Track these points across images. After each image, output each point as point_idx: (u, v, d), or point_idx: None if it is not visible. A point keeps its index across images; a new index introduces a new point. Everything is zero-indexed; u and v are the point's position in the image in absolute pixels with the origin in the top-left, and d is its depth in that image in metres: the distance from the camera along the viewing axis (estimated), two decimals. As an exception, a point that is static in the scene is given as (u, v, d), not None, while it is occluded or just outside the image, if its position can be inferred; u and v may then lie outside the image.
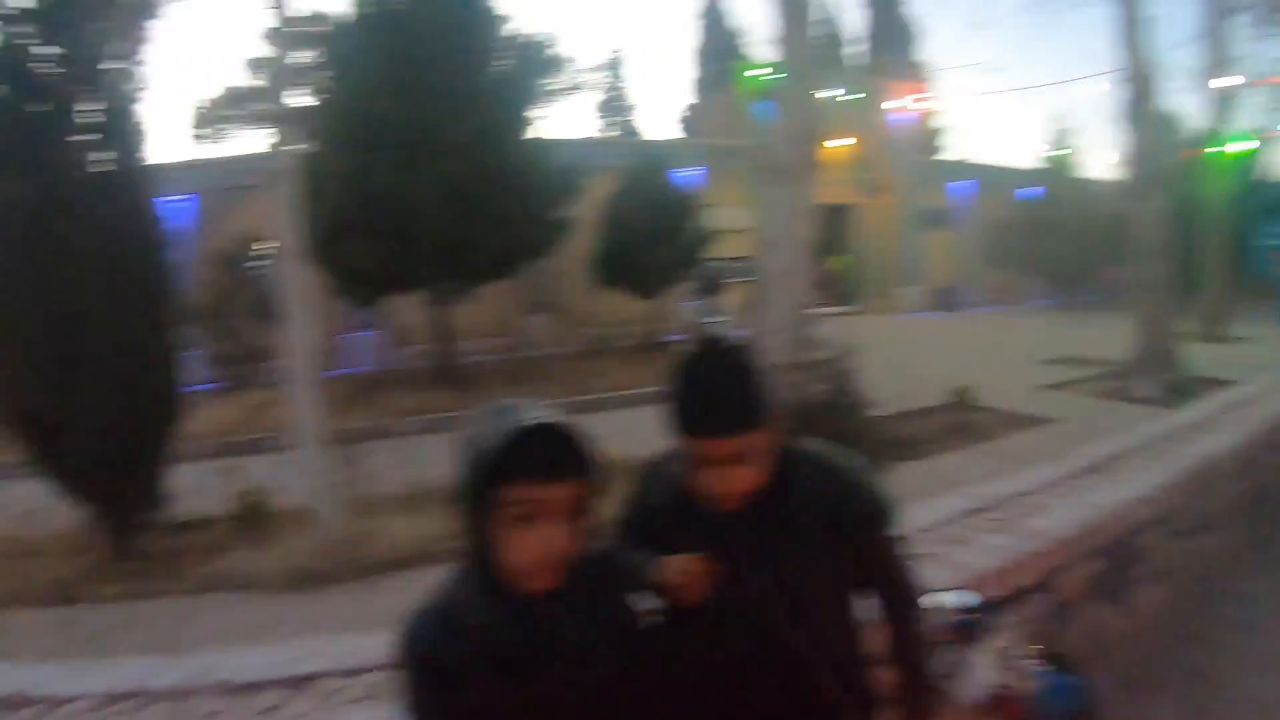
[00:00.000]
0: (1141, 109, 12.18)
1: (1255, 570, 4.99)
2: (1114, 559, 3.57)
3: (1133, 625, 3.88)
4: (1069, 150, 20.91)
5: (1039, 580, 3.09)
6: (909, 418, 8.69)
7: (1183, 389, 10.84)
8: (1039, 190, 21.37)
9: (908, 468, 7.43)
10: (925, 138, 31.07)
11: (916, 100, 25.65)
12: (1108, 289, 25.63)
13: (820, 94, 10.55)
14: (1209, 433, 4.92)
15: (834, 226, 24.68)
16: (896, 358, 10.66)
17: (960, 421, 8.57)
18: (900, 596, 1.73)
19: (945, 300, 24.30)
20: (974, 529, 3.02)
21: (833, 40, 37.32)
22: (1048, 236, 17.20)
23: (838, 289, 23.98)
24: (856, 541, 1.62)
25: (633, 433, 3.38)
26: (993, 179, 28.72)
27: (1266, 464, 5.36)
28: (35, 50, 5.60)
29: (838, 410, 6.95)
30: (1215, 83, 18.33)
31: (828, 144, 17.46)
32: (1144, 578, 3.94)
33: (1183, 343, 12.90)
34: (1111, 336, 13.65)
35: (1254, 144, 26.99)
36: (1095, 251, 16.99)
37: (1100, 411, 9.74)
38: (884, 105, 24.58)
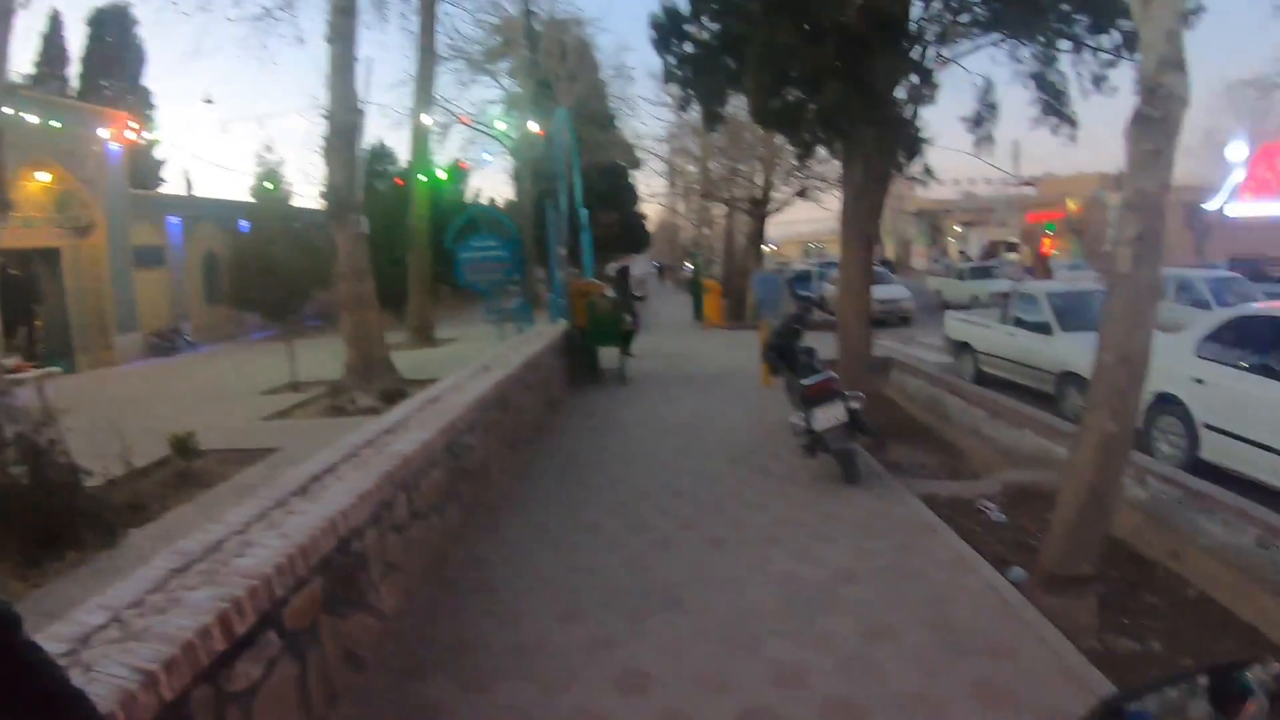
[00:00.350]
0: (345, 140, 13.13)
1: (476, 539, 6.41)
2: (338, 571, 4.01)
3: (384, 625, 4.50)
4: (280, 181, 21.19)
5: (264, 617, 3.24)
6: (130, 480, 7.94)
7: (394, 394, 11.88)
8: (250, 222, 21.29)
9: (138, 535, 7.66)
10: (141, 170, 28.59)
11: (131, 130, 23.32)
12: (323, 312, 26.51)
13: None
14: (410, 430, 5.80)
15: (33, 274, 24.65)
16: (114, 414, 9.83)
17: (185, 471, 8.17)
18: None
19: (165, 344, 23.36)
20: (185, 587, 2.77)
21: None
22: (260, 267, 17.21)
23: (39, 347, 24.13)
24: None
25: None
26: (212, 212, 31.89)
27: (463, 446, 6.58)
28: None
29: (39, 493, 5.97)
30: (424, 119, 21.01)
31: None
32: (377, 579, 4.51)
33: (393, 351, 14.14)
34: (330, 357, 16.01)
35: (455, 171, 31.33)
36: (307, 277, 17.61)
37: (322, 430, 10.70)
38: (96, 134, 21.94)
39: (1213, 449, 8.36)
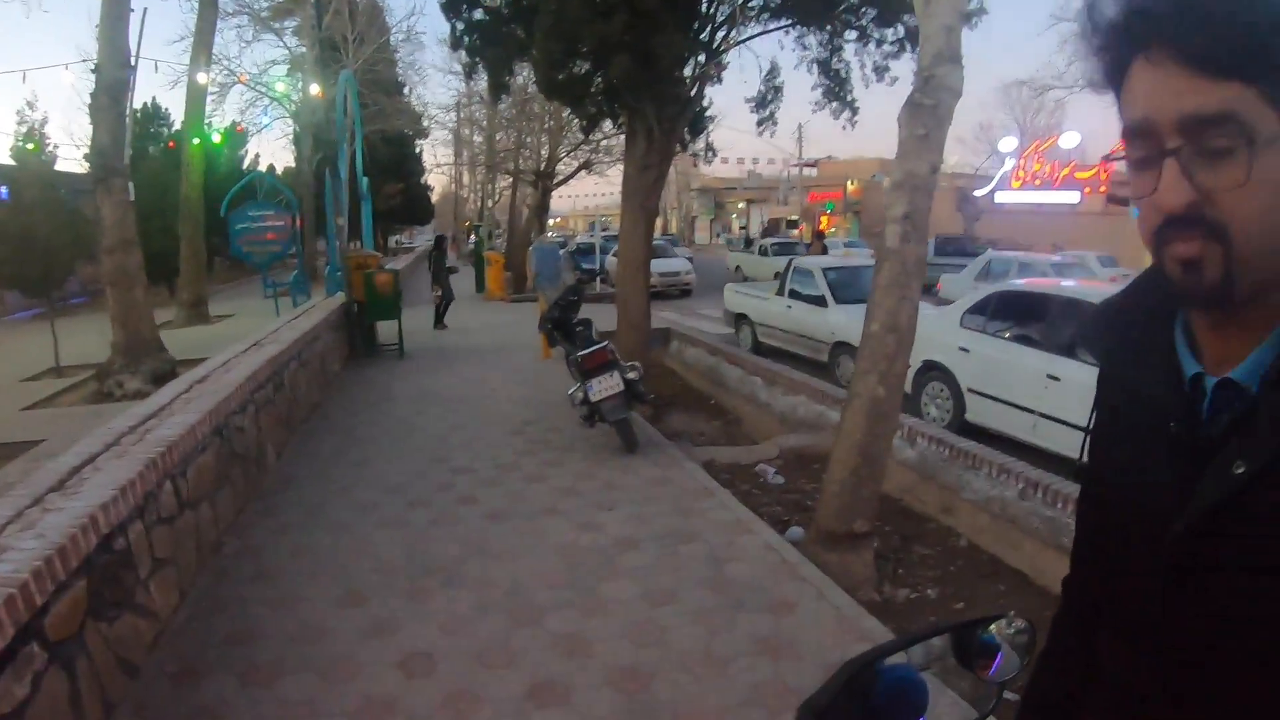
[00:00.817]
0: (113, 98, 13.20)
1: (251, 525, 6.23)
2: (103, 571, 3.79)
3: (157, 625, 4.33)
4: (42, 142, 19.23)
5: (24, 629, 3.04)
6: None
7: (166, 376, 11.27)
8: (8, 188, 19.17)
9: None
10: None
11: None
12: (90, 287, 24.44)
13: None
14: (176, 414, 5.56)
15: None
16: None
17: None
18: None
19: None
20: None
21: None
22: (18, 238, 15.57)
23: None
24: None
25: None
26: None
27: (235, 428, 6.38)
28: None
29: None
30: (200, 78, 19.35)
31: None
32: (146, 576, 4.31)
33: (164, 330, 13.28)
34: (98, 337, 14.61)
35: (232, 135, 29.32)
36: (71, 249, 16.11)
37: (88, 417, 9.40)
38: None
39: (976, 411, 9.08)
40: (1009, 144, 39.84)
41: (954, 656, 1.14)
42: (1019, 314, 9.03)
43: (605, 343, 7.97)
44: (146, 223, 14.87)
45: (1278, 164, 0.87)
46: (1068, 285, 9.45)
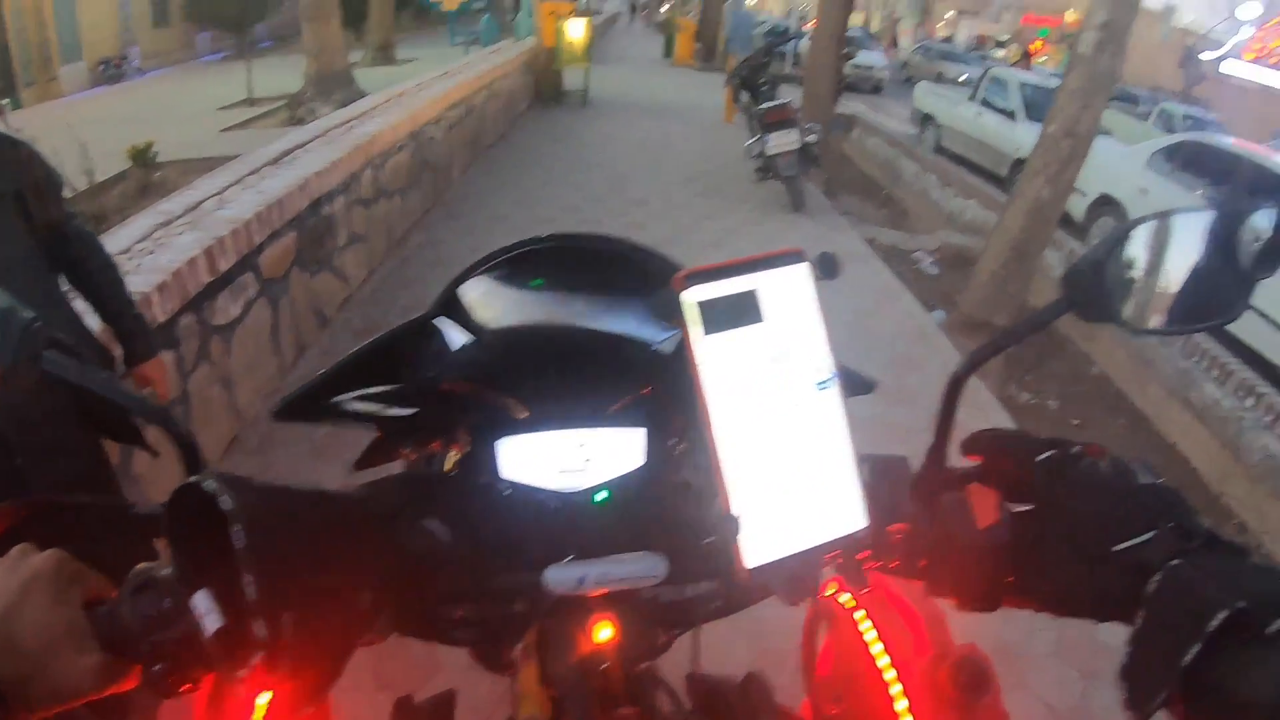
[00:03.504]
0: None
1: (436, 224, 6.82)
2: (309, 229, 4.34)
3: (348, 290, 4.40)
4: None
5: (243, 259, 3.58)
6: (91, 195, 7.97)
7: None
8: None
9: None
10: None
11: None
12: (277, 33, 24.98)
13: None
14: (377, 116, 5.95)
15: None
16: (71, 139, 9.60)
17: (147, 182, 8.22)
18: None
19: (114, 71, 21.83)
20: (169, 235, 3.09)
21: None
22: None
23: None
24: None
25: None
26: None
27: (428, 138, 6.79)
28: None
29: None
30: None
31: None
32: (344, 245, 4.88)
33: (354, 70, 13.59)
34: (290, 74, 15.05)
35: None
36: None
37: (283, 136, 9.89)
38: None
39: (1141, 255, 8.78)
40: (1251, 10, 35.74)
41: (1217, 240, 0.97)
42: (1208, 168, 8.63)
43: (789, 100, 8.04)
44: None
45: None
46: (1260, 151, 8.84)
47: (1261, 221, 0.90)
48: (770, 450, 0.64)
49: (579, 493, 0.83)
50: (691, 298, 0.62)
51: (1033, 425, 5.20)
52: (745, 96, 8.64)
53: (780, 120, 7.66)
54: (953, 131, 14.08)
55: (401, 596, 0.71)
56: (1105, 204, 9.52)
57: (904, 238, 8.38)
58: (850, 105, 15.18)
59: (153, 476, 2.64)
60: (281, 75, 15.81)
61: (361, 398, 0.94)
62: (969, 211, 9.05)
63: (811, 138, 7.76)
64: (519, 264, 1.10)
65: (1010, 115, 12.50)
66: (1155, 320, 0.94)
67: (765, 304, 0.64)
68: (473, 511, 0.82)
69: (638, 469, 0.85)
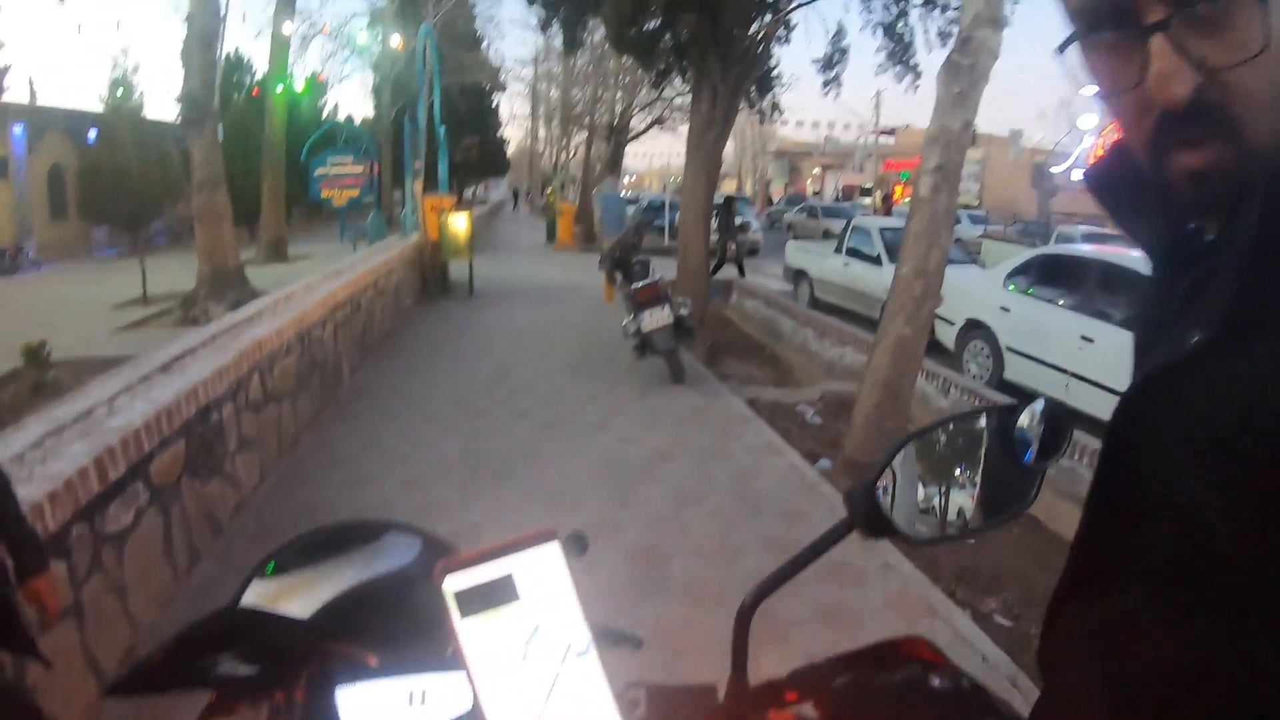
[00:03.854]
0: (204, 44, 14.29)
1: (328, 424, 6.98)
2: (199, 437, 4.43)
3: (241, 495, 4.96)
4: (133, 89, 20.03)
5: (133, 468, 3.65)
6: None
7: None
8: (102, 131, 19.99)
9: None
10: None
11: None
12: (173, 230, 25.22)
13: None
14: (264, 320, 6.20)
15: None
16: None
17: (40, 382, 8.19)
18: None
19: (8, 263, 21.81)
20: (61, 443, 3.18)
21: None
22: (109, 180, 16.41)
23: None
24: None
25: None
26: (58, 122, 28.98)
27: (316, 338, 7.03)
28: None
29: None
30: (285, 28, 19.97)
31: None
32: (234, 450, 4.95)
33: (246, 268, 14.08)
34: (182, 272, 15.90)
35: (313, 85, 30.07)
36: (160, 189, 16.85)
37: (176, 339, 9.98)
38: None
39: (1014, 369, 9.37)
40: (1089, 121, 38.55)
41: (995, 439, 1.07)
42: (1058, 277, 9.26)
43: (659, 277, 8.41)
44: (230, 166, 15.52)
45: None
46: (1105, 250, 9.58)
47: (1027, 418, 1.02)
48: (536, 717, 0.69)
49: None
50: (450, 587, 0.68)
51: (928, 554, 5.42)
52: (619, 277, 9.07)
53: (651, 298, 8.03)
54: (824, 283, 14.81)
55: None
56: (974, 328, 10.05)
57: (786, 393, 8.73)
58: (728, 270, 15.92)
59: (45, 687, 2.64)
60: (175, 273, 16.19)
61: (201, 665, 0.92)
62: (846, 358, 9.48)
63: (684, 311, 8.15)
64: (319, 543, 1.14)
65: (876, 260, 13.25)
66: (939, 528, 1.01)
67: (521, 584, 0.70)
68: None
69: (466, 712, 0.88)
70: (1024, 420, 1.00)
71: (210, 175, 14.05)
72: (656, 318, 7.98)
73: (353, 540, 1.10)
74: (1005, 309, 9.64)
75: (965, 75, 5.81)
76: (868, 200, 49.34)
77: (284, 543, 1.06)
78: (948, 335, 10.60)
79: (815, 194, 59.55)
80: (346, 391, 7.60)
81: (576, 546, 0.78)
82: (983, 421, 1.01)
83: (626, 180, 66.44)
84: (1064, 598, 0.98)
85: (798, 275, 15.86)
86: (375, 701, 0.88)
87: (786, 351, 11.12)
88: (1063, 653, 0.98)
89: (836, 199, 51.25)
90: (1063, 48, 0.80)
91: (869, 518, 0.94)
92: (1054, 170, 38.50)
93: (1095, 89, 0.81)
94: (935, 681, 0.93)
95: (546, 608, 0.71)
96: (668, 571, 4.27)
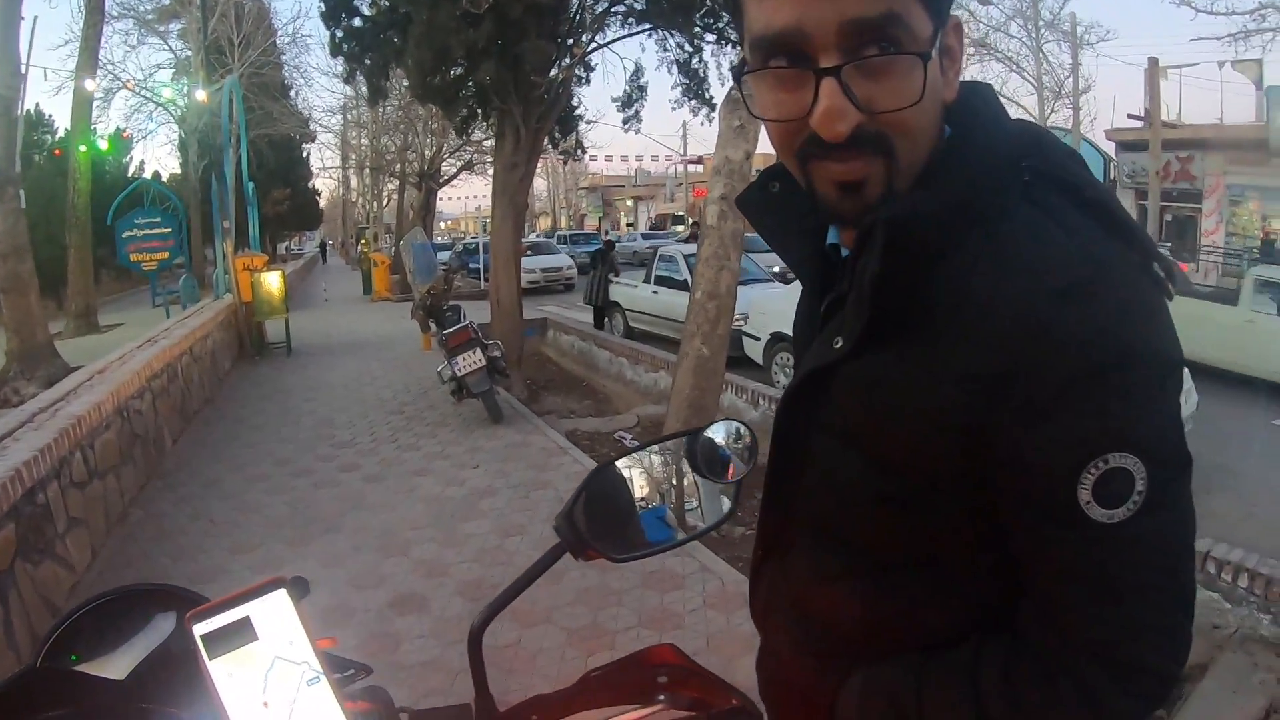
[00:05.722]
0: (3, 109, 13.30)
1: (153, 497, 6.99)
2: (27, 520, 4.47)
3: (75, 575, 5.07)
4: None
5: None
6: None
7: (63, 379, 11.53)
8: None
9: None
10: None
11: None
12: None
13: None
14: (81, 396, 6.11)
15: None
16: None
17: None
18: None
19: None
20: None
21: None
22: None
23: None
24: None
25: None
26: None
27: (135, 411, 7.01)
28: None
29: None
30: (88, 84, 18.78)
31: None
32: (63, 531, 4.98)
33: (56, 341, 13.38)
34: None
35: (118, 142, 28.41)
36: None
37: None
38: None
39: (819, 380, 10.00)
40: None
41: (688, 461, 1.12)
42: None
43: (469, 322, 8.72)
44: (33, 232, 14.78)
45: (934, 73, 0.85)
46: None
47: (721, 437, 1.12)
48: None
49: None
50: (199, 630, 0.76)
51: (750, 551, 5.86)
52: (432, 325, 9.35)
53: (463, 342, 8.31)
54: (637, 313, 15.36)
55: None
56: (779, 341, 10.71)
57: (604, 421, 9.14)
58: (542, 307, 16.29)
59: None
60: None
61: None
62: (662, 382, 9.88)
63: (495, 353, 8.54)
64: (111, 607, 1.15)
65: (683, 285, 13.53)
66: (644, 543, 1.08)
67: (259, 625, 0.79)
68: None
69: None
70: (718, 439, 1.09)
71: (14, 244, 13.30)
72: (469, 361, 8.25)
73: (131, 607, 1.10)
74: (810, 322, 10.24)
75: (744, 108, 6.35)
76: (680, 228, 50.64)
77: (68, 611, 1.06)
78: (756, 350, 11.27)
79: (630, 226, 60.65)
80: (169, 463, 7.58)
81: (300, 589, 0.84)
82: (679, 444, 1.10)
83: (443, 225, 65.93)
84: (760, 561, 1.20)
85: (611, 307, 16.25)
86: None
87: (604, 382, 11.52)
88: (767, 610, 1.20)
89: (650, 229, 52.40)
90: (738, 76, 0.93)
91: (573, 542, 1.04)
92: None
93: (759, 115, 0.94)
94: (681, 684, 0.98)
95: (280, 644, 0.79)
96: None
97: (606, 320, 16.23)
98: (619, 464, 1.07)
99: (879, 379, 0.93)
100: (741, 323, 11.04)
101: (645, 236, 35.25)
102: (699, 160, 55.15)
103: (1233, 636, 3.64)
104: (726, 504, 1.09)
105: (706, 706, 0.99)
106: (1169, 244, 16.21)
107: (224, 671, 0.76)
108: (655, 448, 1.11)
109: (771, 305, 11.07)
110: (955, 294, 0.87)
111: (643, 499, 1.09)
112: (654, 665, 1.00)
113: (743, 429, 1.10)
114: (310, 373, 12.24)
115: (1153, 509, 0.83)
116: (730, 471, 1.06)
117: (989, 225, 0.88)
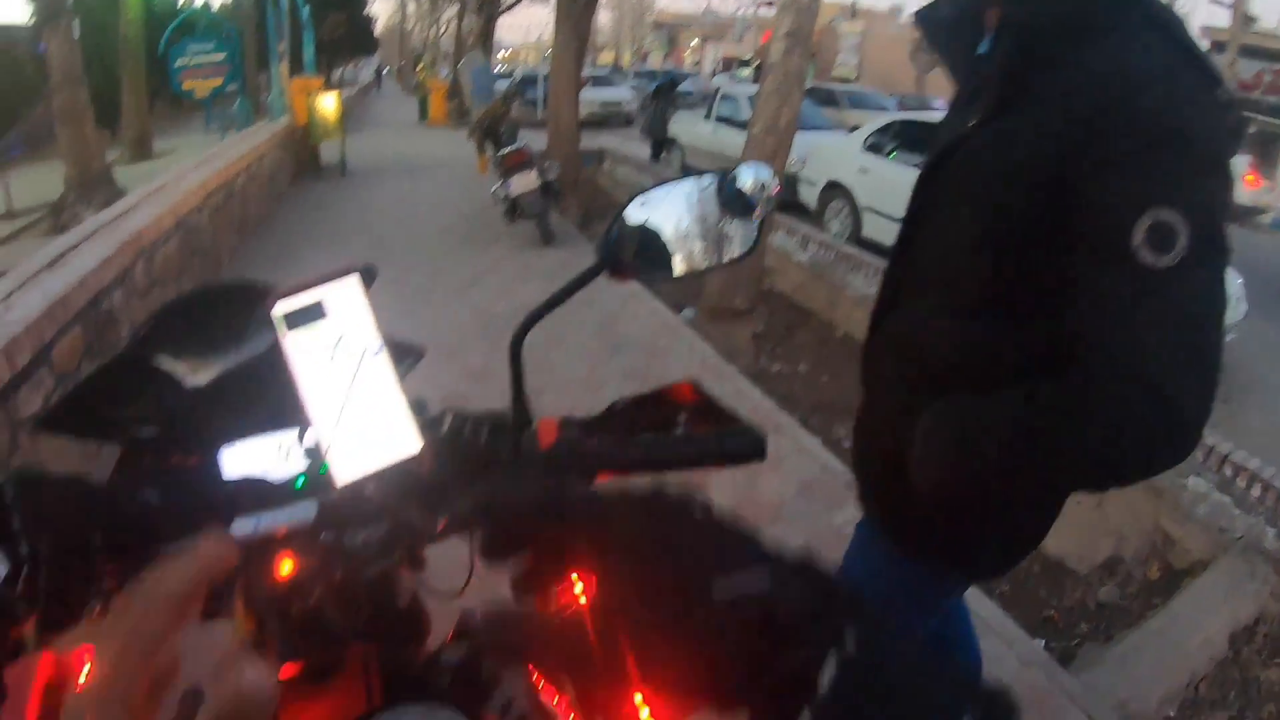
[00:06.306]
0: None
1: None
2: (93, 324, 4.63)
3: None
4: None
5: (37, 355, 3.86)
6: None
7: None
8: None
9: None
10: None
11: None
12: (34, 134, 23.65)
13: None
14: (141, 210, 6.23)
15: None
16: None
17: None
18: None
19: None
20: None
21: None
22: None
23: None
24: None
25: None
26: None
27: (193, 226, 7.23)
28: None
29: None
30: None
31: None
32: (125, 335, 5.09)
33: (113, 166, 13.39)
34: (47, 181, 14.98)
35: None
36: (14, 97, 15.78)
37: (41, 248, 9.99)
38: None
39: (871, 227, 9.99)
40: None
41: (718, 197, 1.16)
42: (913, 140, 9.78)
43: (524, 143, 8.68)
44: (86, 63, 14.79)
45: None
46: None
47: (748, 181, 1.16)
48: (345, 404, 0.83)
49: (283, 481, 0.93)
50: (278, 311, 0.81)
51: (786, 389, 6.02)
52: (489, 146, 9.33)
53: (519, 163, 8.31)
54: (694, 149, 15.13)
55: (119, 548, 0.83)
56: (833, 188, 10.64)
57: (654, 250, 9.09)
58: (601, 139, 16.13)
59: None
60: (38, 183, 15.50)
61: (108, 416, 1.01)
62: (713, 218, 9.89)
63: (551, 175, 8.49)
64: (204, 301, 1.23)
65: (743, 125, 13.46)
66: (674, 268, 1.13)
67: (329, 307, 0.83)
68: (188, 488, 0.94)
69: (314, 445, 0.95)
70: (745, 183, 1.12)
71: (68, 74, 13.50)
72: (524, 181, 8.27)
73: (235, 306, 1.12)
74: (864, 171, 10.18)
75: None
76: (745, 72, 49.23)
77: (164, 305, 1.12)
78: (811, 195, 11.19)
79: (695, 65, 59.01)
80: (226, 276, 7.71)
81: (369, 276, 0.88)
82: (709, 181, 1.14)
83: (501, 54, 64.73)
84: (879, 314, 1.55)
85: (670, 143, 16.07)
86: (252, 458, 0.96)
87: (657, 214, 11.35)
88: (874, 354, 1.55)
89: (714, 71, 50.93)
90: None
91: (612, 261, 1.09)
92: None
93: None
94: (700, 417, 1.01)
95: (348, 322, 0.84)
96: (539, 405, 4.73)
97: (663, 154, 16.09)
98: (655, 192, 1.11)
99: (995, 142, 1.26)
100: (798, 167, 11.03)
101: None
102: (771, 2, 53.09)
103: (1237, 543, 3.66)
104: (751, 239, 1.14)
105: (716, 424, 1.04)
106: (1250, 157, 15.44)
107: (297, 345, 0.81)
108: (689, 181, 1.15)
109: (829, 153, 10.98)
110: (1059, 81, 1.19)
111: (675, 227, 1.14)
112: (676, 400, 1.04)
113: (769, 174, 1.14)
114: (364, 193, 12.29)
115: (1189, 269, 1.07)
116: (756, 211, 1.11)
117: (1096, 36, 1.19)
